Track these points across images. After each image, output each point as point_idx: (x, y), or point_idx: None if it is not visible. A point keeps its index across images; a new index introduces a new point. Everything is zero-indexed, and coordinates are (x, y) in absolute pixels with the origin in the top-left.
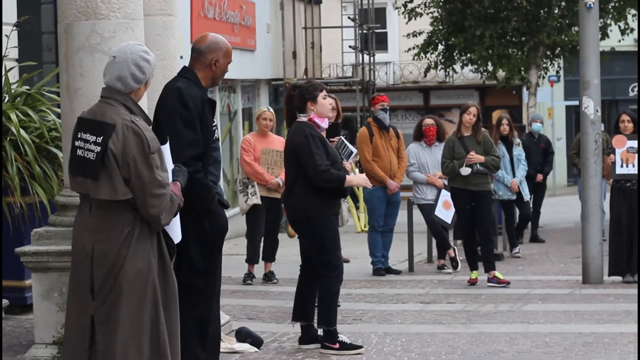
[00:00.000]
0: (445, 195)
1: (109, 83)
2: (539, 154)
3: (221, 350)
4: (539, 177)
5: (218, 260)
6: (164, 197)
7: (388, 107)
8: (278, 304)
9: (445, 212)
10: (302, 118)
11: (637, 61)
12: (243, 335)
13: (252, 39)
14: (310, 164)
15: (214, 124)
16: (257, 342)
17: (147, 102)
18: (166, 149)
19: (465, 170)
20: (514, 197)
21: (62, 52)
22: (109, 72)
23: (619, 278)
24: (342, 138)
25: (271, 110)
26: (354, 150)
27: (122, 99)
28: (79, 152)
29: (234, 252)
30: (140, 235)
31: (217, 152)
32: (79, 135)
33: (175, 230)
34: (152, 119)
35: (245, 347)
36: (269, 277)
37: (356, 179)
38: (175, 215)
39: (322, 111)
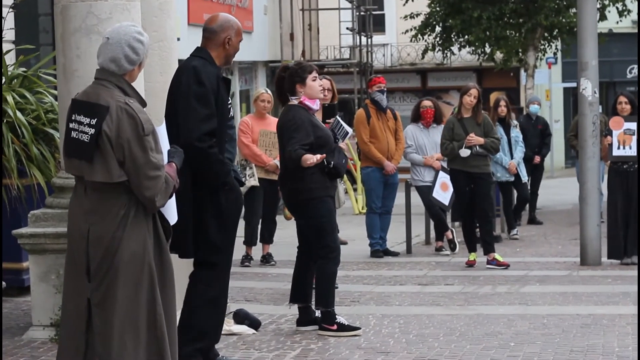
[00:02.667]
0: (443, 177)
1: (102, 64)
2: (537, 136)
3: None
4: (537, 159)
5: (233, 237)
6: (159, 179)
7: (385, 89)
8: (276, 286)
9: (443, 193)
10: (294, 101)
11: (637, 43)
12: (241, 317)
13: (250, 21)
14: (284, 148)
15: (229, 102)
16: (254, 324)
17: (144, 84)
18: (162, 130)
19: (464, 152)
20: (512, 179)
21: (59, 34)
22: (103, 54)
23: (617, 260)
24: (338, 118)
25: (269, 92)
26: (350, 131)
27: (116, 81)
28: (73, 134)
29: None
30: (136, 218)
31: (232, 130)
32: (73, 117)
33: (170, 211)
34: (162, 99)
35: (243, 329)
36: (266, 259)
37: (313, 157)
38: (170, 197)
39: (311, 93)
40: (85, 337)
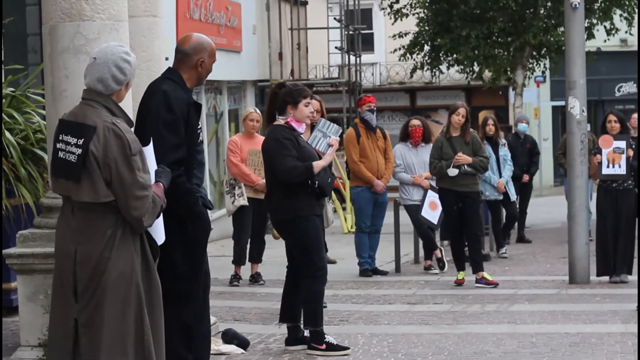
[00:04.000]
0: (432, 196)
1: (89, 85)
2: (525, 155)
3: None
4: (525, 177)
5: (201, 264)
6: (146, 199)
7: (375, 108)
8: (264, 305)
9: (432, 212)
10: (280, 120)
11: (637, 60)
12: (229, 336)
13: (238, 40)
14: (278, 166)
15: (199, 127)
16: (243, 343)
17: (132, 104)
18: (149, 150)
19: (452, 172)
20: (501, 198)
21: (47, 54)
22: (90, 74)
23: (606, 278)
24: (322, 119)
25: (258, 111)
26: (338, 127)
27: (103, 101)
28: (61, 154)
29: (220, 253)
30: (123, 238)
31: (201, 155)
32: (60, 138)
33: (158, 231)
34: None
35: (232, 348)
36: (255, 279)
37: (322, 161)
38: (158, 217)
39: (300, 117)
40: (72, 357)
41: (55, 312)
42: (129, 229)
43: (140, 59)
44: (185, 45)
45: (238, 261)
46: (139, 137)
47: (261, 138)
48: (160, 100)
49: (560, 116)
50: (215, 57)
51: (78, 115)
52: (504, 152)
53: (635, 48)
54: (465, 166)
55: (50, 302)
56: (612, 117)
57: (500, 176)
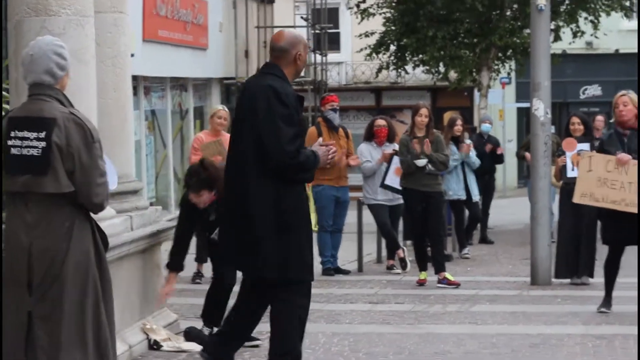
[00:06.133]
0: (397, 162)
1: (35, 80)
2: (488, 155)
3: (168, 348)
4: (500, 149)
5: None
6: (106, 185)
7: (338, 107)
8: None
9: (396, 178)
10: None
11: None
12: (192, 335)
13: (204, 38)
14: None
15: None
16: (204, 341)
17: (97, 101)
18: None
19: (420, 162)
20: (464, 197)
21: (12, 49)
22: (32, 70)
23: (567, 280)
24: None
25: (226, 109)
26: None
27: (53, 94)
28: (15, 150)
29: None
30: (79, 228)
31: None
32: (12, 135)
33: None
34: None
35: (193, 346)
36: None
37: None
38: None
39: None
40: (25, 350)
41: (6, 306)
42: (84, 220)
43: (106, 55)
44: (282, 42)
45: (200, 259)
46: (245, 131)
47: (227, 136)
48: (272, 96)
49: (525, 118)
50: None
51: (32, 110)
52: (465, 152)
53: (600, 51)
54: (429, 166)
55: (2, 296)
56: (575, 120)
57: (465, 178)
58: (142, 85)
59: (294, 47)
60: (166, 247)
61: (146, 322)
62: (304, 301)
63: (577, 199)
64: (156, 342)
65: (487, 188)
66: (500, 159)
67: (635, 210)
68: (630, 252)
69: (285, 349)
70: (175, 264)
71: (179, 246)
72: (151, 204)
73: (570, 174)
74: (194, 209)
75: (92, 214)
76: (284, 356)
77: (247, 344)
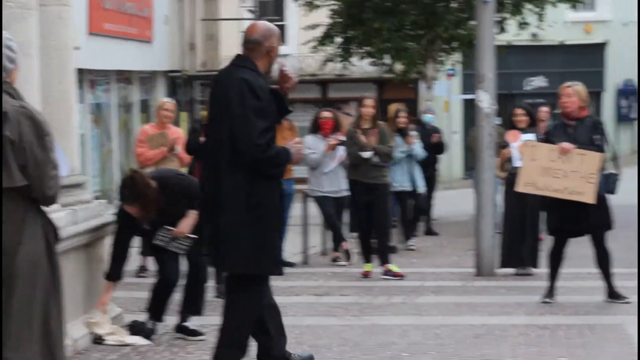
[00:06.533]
0: (341, 151)
1: None
2: (430, 146)
3: (112, 342)
4: (435, 136)
5: None
6: (58, 177)
7: None
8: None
9: (334, 165)
10: None
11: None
12: (136, 329)
13: (150, 30)
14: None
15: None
16: (148, 334)
17: (42, 93)
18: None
19: (365, 154)
20: (409, 189)
21: None
22: None
23: (512, 270)
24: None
25: (173, 101)
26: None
27: (5, 87)
28: None
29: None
30: (31, 222)
31: None
32: None
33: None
34: None
35: (137, 339)
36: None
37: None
38: None
39: None
40: None
41: None
42: (36, 213)
43: (51, 47)
44: (254, 34)
45: (145, 252)
46: (218, 125)
47: (174, 129)
48: (245, 89)
49: (471, 110)
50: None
51: None
52: (411, 143)
53: (545, 43)
54: (374, 158)
55: None
56: (519, 111)
57: (411, 168)
58: (88, 78)
59: (267, 39)
60: (110, 241)
61: (91, 316)
62: (260, 296)
63: (520, 187)
64: (99, 337)
65: (430, 180)
66: (440, 149)
67: (577, 198)
68: (574, 243)
69: (234, 340)
70: (114, 273)
71: (117, 256)
72: (96, 198)
73: (517, 164)
74: (130, 219)
75: (42, 207)
76: (229, 347)
77: (191, 338)
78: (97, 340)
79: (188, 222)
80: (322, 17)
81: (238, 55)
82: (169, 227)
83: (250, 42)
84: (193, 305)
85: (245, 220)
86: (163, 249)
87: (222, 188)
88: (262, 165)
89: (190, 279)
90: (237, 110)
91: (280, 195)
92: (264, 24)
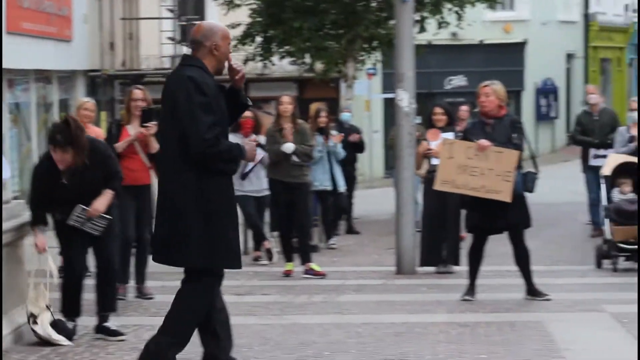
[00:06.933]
0: (261, 154)
1: None
2: (349, 145)
3: (40, 333)
4: (354, 136)
5: None
6: None
7: None
8: (91, 297)
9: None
10: None
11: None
12: (59, 328)
13: (69, 30)
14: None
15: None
16: (69, 334)
17: None
18: None
19: (287, 147)
20: (330, 188)
21: None
22: None
23: (432, 268)
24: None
25: (93, 101)
26: None
27: None
28: None
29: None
30: None
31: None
32: None
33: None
34: None
35: (60, 338)
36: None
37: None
38: None
39: None
40: None
41: None
42: None
43: None
44: (197, 34)
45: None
46: (168, 123)
47: (94, 129)
48: (190, 86)
49: (391, 109)
50: (230, 39)
51: None
52: (334, 142)
53: (465, 42)
54: (294, 157)
55: None
56: (438, 110)
57: (331, 167)
58: (6, 78)
59: (208, 38)
60: (30, 241)
61: (29, 290)
62: (211, 290)
63: (438, 185)
64: (33, 315)
65: (349, 179)
66: (360, 148)
67: (494, 197)
68: (494, 240)
69: (175, 330)
70: (37, 218)
71: (36, 203)
72: (15, 198)
73: (436, 161)
74: (50, 172)
75: None
76: (167, 335)
77: (112, 338)
78: (29, 319)
79: (103, 202)
80: (242, 16)
81: (185, 55)
82: (84, 207)
83: (193, 42)
84: (107, 301)
85: (197, 217)
86: (70, 246)
87: (175, 186)
88: (211, 160)
89: (100, 276)
90: (184, 107)
91: (233, 190)
92: (208, 23)
